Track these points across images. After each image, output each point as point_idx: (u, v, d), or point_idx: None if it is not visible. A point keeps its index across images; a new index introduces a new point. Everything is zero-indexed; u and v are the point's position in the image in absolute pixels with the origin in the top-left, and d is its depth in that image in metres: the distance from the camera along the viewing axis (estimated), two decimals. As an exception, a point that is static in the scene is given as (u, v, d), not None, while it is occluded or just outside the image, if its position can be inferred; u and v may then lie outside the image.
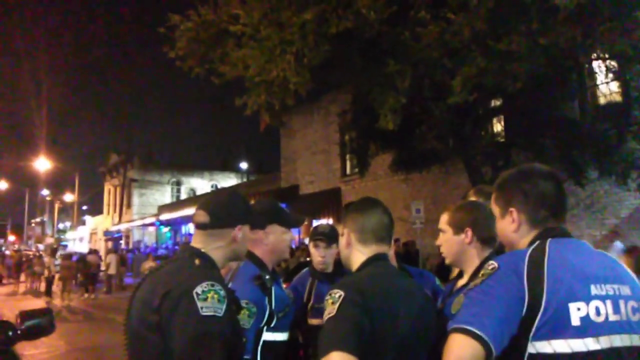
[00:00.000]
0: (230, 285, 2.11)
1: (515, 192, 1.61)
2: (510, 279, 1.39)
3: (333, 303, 1.56)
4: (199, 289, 1.56)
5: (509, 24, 7.19)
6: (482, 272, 1.48)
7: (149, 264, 15.01)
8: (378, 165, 14.21)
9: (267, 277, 2.25)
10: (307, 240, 15.93)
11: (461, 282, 2.14)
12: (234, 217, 1.88)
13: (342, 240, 1.91)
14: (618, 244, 9.58)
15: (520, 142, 10.46)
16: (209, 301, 1.55)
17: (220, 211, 1.87)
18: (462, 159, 10.83)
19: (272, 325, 2.20)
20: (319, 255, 3.01)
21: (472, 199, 2.46)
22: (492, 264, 1.46)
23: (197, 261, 1.74)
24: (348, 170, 18.84)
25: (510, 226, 1.61)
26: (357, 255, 1.86)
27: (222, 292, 1.61)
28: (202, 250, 1.81)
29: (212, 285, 1.59)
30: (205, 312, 1.53)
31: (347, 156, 18.20)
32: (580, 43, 7.16)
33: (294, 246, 14.44)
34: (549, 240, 1.50)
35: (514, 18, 7.15)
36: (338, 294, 1.58)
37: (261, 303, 2.15)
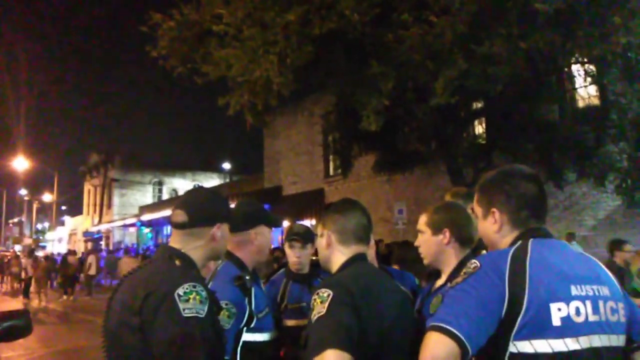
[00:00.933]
0: (210, 285, 2.09)
1: (497, 192, 1.63)
2: (491, 279, 1.40)
3: (322, 302, 1.55)
4: (180, 290, 1.54)
5: (490, 28, 7.28)
6: (464, 270, 1.49)
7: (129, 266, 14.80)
8: (361, 166, 14.26)
9: (248, 277, 2.25)
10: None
11: (439, 282, 2.16)
12: (213, 215, 1.84)
13: (322, 241, 1.91)
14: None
15: (501, 144, 10.59)
16: (190, 302, 1.53)
17: (199, 210, 1.82)
18: (444, 160, 10.93)
19: (252, 326, 2.18)
20: (294, 256, 3.00)
21: (449, 201, 2.50)
22: (475, 262, 1.47)
23: (177, 262, 1.71)
24: (331, 171, 18.87)
25: (492, 226, 1.62)
26: (338, 255, 1.87)
27: (204, 293, 1.59)
28: (182, 250, 1.77)
29: (194, 287, 1.57)
30: (187, 314, 1.51)
31: (331, 157, 18.25)
32: (560, 47, 7.28)
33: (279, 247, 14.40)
34: (530, 240, 1.51)
35: (495, 22, 7.23)
36: (326, 293, 1.58)
37: (241, 304, 2.13)
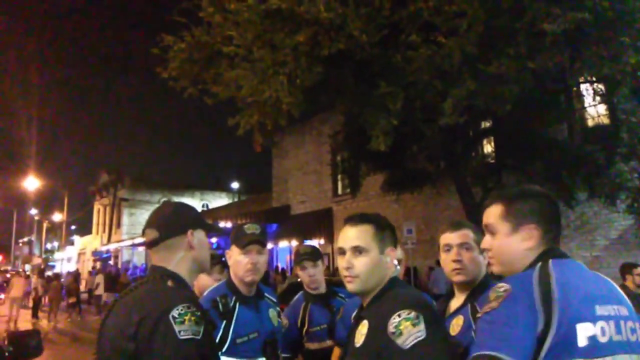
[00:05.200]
0: None
1: (533, 209, 1.59)
2: (525, 301, 1.38)
3: (414, 325, 1.45)
4: (175, 312, 1.51)
5: (498, 48, 7.32)
6: (494, 294, 1.43)
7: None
8: (370, 185, 14.26)
9: (233, 299, 2.27)
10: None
11: (455, 303, 2.13)
12: (182, 223, 1.80)
13: (390, 259, 1.76)
14: None
15: (510, 163, 10.56)
16: (186, 324, 1.50)
17: (167, 221, 1.79)
18: (453, 179, 10.90)
19: (226, 349, 2.16)
20: (307, 275, 3.00)
21: None
22: (504, 286, 1.43)
23: (169, 282, 1.68)
24: (340, 191, 18.87)
25: (523, 243, 1.58)
26: (388, 272, 1.75)
27: (199, 313, 1.56)
28: (169, 268, 1.73)
29: (189, 307, 1.54)
30: (183, 336, 1.48)
31: (339, 176, 18.25)
32: (568, 66, 7.29)
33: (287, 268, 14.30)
34: (550, 261, 1.50)
35: (503, 42, 7.28)
36: (413, 314, 1.48)
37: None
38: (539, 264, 1.50)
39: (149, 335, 1.49)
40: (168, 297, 1.59)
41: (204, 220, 1.90)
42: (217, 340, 2.12)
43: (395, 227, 1.88)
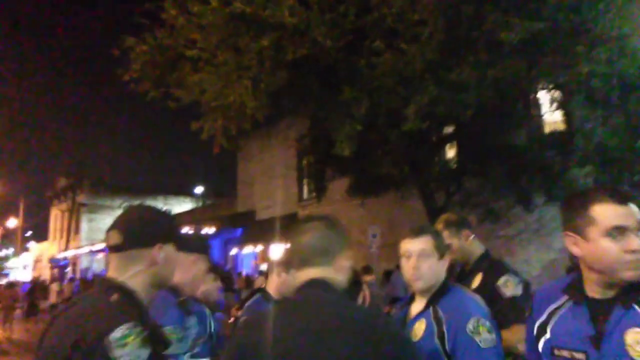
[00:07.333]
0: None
1: None
2: None
3: None
4: (117, 333, 1.32)
5: (459, 56, 7.49)
6: None
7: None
8: (335, 190, 14.29)
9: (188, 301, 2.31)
10: (263, 267, 15.72)
11: (417, 307, 2.15)
12: (152, 235, 1.59)
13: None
14: None
15: (471, 168, 10.78)
16: (127, 348, 1.32)
17: (137, 229, 1.60)
18: (417, 184, 11.05)
19: (195, 351, 2.21)
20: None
21: (443, 229, 2.55)
22: None
23: (114, 297, 1.46)
24: (305, 195, 18.86)
25: None
26: (292, 284, 1.64)
27: (145, 334, 1.37)
28: (120, 280, 1.53)
29: (134, 326, 1.35)
30: None
31: (305, 181, 18.25)
32: (525, 75, 7.52)
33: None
34: None
35: (464, 50, 7.45)
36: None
37: (186, 327, 2.17)
38: None
39: None
40: (109, 315, 1.39)
41: (178, 234, 1.73)
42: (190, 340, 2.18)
43: (361, 230, 1.84)
